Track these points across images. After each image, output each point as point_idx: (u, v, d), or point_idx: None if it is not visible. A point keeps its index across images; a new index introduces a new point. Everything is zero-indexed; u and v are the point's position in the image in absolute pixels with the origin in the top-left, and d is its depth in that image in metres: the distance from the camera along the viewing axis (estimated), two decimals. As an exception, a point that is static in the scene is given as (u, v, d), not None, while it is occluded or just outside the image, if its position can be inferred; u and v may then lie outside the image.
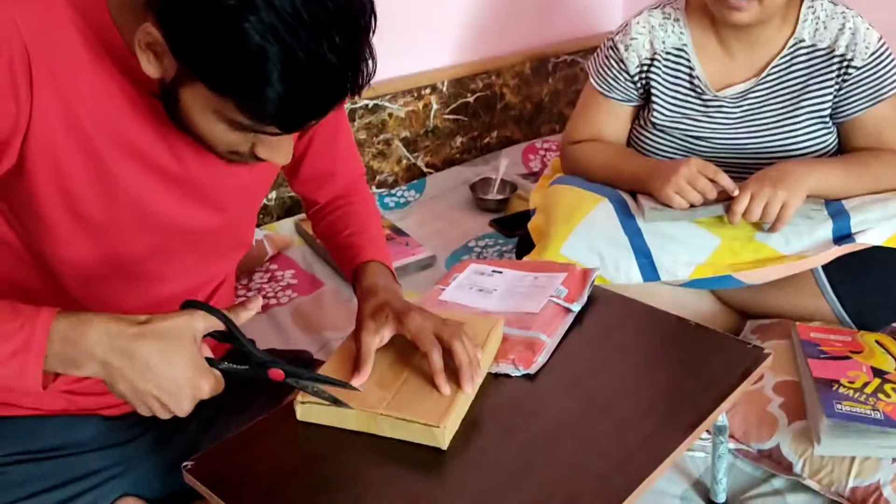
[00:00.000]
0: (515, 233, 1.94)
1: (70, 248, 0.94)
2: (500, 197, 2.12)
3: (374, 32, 0.80)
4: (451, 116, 2.31)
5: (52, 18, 0.82)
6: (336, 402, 0.89)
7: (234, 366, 0.87)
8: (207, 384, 0.83)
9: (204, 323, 0.84)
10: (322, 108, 0.80)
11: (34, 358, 0.77)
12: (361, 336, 0.97)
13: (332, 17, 0.74)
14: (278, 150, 0.87)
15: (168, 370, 0.80)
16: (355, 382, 0.93)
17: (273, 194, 2.02)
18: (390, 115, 2.16)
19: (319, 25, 0.73)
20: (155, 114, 0.90)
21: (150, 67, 0.81)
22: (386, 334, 0.98)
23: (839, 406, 1.13)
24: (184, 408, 0.83)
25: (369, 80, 0.81)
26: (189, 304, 0.86)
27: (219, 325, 0.86)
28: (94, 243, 0.94)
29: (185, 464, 0.87)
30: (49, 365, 0.78)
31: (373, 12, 0.80)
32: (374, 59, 0.81)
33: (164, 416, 0.84)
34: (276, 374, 0.88)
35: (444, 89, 2.26)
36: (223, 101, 0.78)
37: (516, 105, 2.46)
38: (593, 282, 1.19)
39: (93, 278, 0.97)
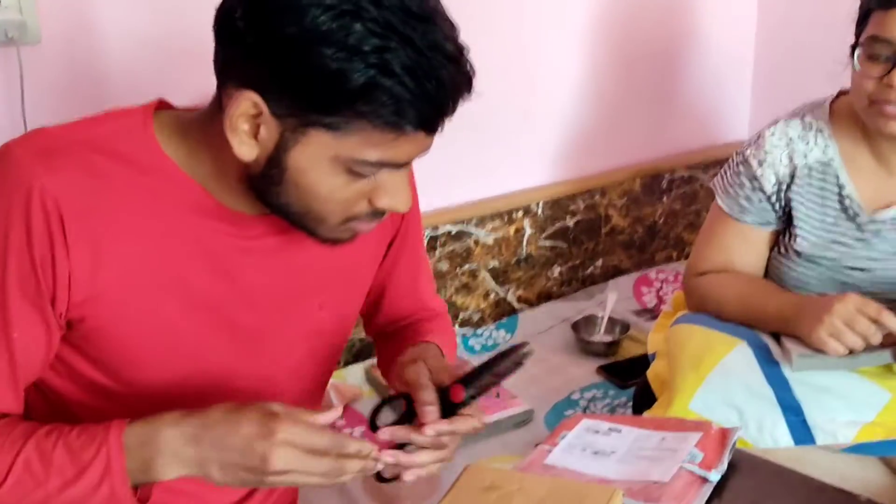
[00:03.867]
0: (630, 383, 1.94)
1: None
2: (608, 339, 2.14)
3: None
4: (547, 243, 2.37)
5: (86, 176, 0.92)
6: None
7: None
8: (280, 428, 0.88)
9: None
10: (454, 98, 0.89)
11: (118, 480, 0.89)
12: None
13: (434, 10, 0.86)
14: (399, 193, 0.94)
15: (233, 432, 0.88)
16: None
17: (340, 335, 2.09)
18: (476, 241, 2.23)
19: (427, 16, 0.85)
20: (225, 251, 1.00)
21: (244, 149, 0.90)
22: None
23: None
24: (270, 465, 0.87)
25: (475, 75, 0.91)
26: None
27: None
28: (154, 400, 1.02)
29: None
30: (134, 479, 0.90)
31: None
32: (470, 60, 0.91)
33: (259, 484, 0.91)
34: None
35: (540, 211, 2.33)
36: (345, 138, 0.87)
37: (625, 229, 2.51)
38: (734, 444, 1.18)
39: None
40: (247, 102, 0.88)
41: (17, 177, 0.90)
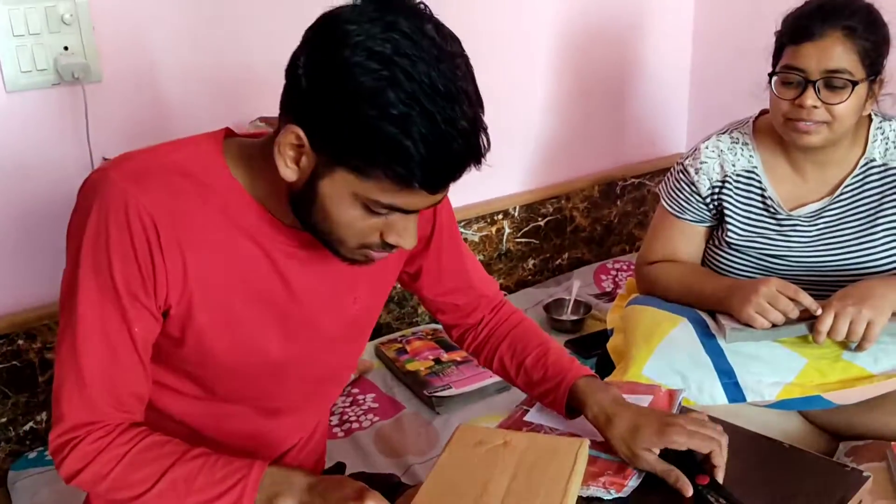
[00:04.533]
0: (592, 353, 1.94)
1: (194, 394, 1.05)
2: (574, 317, 2.14)
3: (482, 110, 0.89)
4: (523, 240, 2.37)
5: (170, 194, 0.92)
6: None
7: None
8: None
9: None
10: (460, 168, 0.88)
11: None
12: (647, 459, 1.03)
13: (459, 89, 0.84)
14: (405, 233, 0.93)
15: (337, 490, 0.91)
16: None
17: (353, 319, 2.08)
18: (465, 239, 2.22)
19: (451, 95, 0.83)
20: (279, 257, 0.99)
21: (287, 171, 0.90)
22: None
23: (947, 532, 1.08)
24: None
25: (488, 150, 0.89)
26: None
27: None
28: (224, 384, 1.04)
29: None
30: None
31: (478, 90, 0.89)
32: (487, 132, 0.89)
33: None
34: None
35: (516, 214, 2.33)
36: (365, 181, 0.86)
37: (586, 227, 2.52)
38: (681, 403, 1.19)
39: (214, 413, 1.07)
40: (293, 135, 0.88)
41: (116, 196, 0.90)
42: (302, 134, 0.87)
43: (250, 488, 0.91)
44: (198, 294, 0.95)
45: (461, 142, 0.84)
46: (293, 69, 0.88)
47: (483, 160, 0.89)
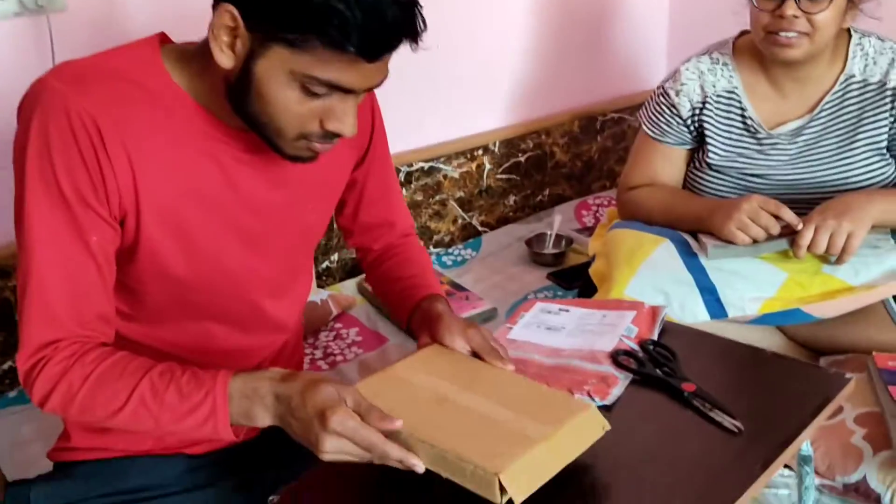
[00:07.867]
0: (574, 285, 1.94)
1: (154, 300, 1.01)
2: (555, 251, 2.13)
3: None
4: (503, 176, 2.35)
5: (112, 97, 0.89)
6: None
7: None
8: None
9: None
10: (396, 36, 0.86)
11: (222, 421, 0.89)
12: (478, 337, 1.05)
13: None
14: (345, 117, 0.90)
15: (302, 408, 0.86)
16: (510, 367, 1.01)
17: (335, 256, 2.06)
18: (445, 176, 2.20)
19: None
20: (229, 163, 0.97)
21: (222, 57, 0.88)
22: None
23: (927, 433, 1.09)
24: (321, 447, 0.84)
25: (425, 30, 0.88)
26: None
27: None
28: (175, 296, 1.01)
29: (271, 497, 0.87)
30: (234, 420, 0.90)
31: None
32: (422, 12, 0.88)
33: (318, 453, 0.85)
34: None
35: (496, 150, 2.30)
36: (300, 55, 0.84)
37: (566, 163, 2.49)
38: (663, 318, 1.18)
39: (167, 326, 1.04)
40: (227, 15, 0.86)
41: (55, 101, 0.87)
42: (236, 12, 0.85)
43: (220, 401, 0.89)
44: (148, 202, 0.93)
45: (396, 10, 0.84)
46: None
47: (420, 38, 0.88)
